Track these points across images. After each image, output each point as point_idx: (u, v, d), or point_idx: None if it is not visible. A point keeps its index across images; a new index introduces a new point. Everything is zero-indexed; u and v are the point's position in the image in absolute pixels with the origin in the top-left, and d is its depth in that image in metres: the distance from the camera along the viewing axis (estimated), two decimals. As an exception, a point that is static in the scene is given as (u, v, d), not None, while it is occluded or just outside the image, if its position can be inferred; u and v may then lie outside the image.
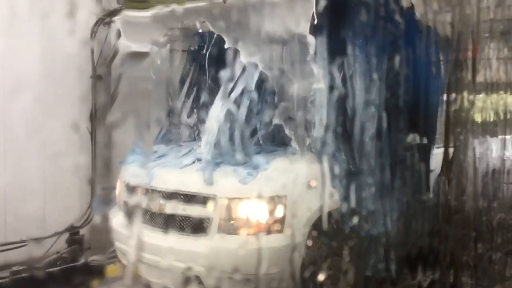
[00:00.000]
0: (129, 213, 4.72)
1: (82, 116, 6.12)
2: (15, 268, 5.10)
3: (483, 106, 4.58)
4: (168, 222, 4.29)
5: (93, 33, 6.11)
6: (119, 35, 5.78)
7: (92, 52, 6.13)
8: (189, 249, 4.10)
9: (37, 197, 5.61)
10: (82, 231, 5.97)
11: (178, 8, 4.95)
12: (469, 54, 4.29)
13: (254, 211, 4.08)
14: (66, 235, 5.84)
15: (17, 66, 5.34)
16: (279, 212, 4.06)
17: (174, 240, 4.19)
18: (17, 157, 5.40)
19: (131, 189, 4.74)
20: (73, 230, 5.86)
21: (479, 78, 4.39)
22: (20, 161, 5.43)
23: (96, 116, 6.18)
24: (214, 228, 4.09)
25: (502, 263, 4.59)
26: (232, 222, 4.08)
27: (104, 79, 6.27)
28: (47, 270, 5.26)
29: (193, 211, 4.18)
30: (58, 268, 5.44)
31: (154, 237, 4.27)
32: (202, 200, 4.15)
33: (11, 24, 5.21)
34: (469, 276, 4.17)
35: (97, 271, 5.26)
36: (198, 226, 4.16)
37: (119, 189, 5.00)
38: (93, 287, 4.92)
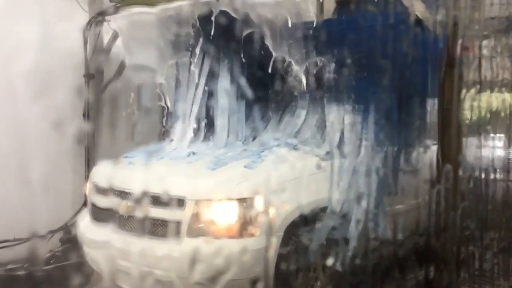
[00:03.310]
0: (97, 216, 4.56)
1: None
2: (8, 267, 5.08)
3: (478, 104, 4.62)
4: (137, 225, 4.10)
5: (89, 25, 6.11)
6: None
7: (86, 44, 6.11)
8: (158, 253, 3.92)
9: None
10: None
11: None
12: (463, 52, 4.33)
13: (225, 213, 3.92)
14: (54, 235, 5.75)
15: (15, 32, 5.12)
16: (251, 215, 3.89)
17: (143, 244, 3.99)
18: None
19: (99, 190, 4.53)
20: (67, 229, 5.82)
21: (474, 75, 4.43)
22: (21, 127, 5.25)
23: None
24: (183, 232, 3.91)
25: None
26: (202, 225, 3.91)
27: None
28: (41, 269, 5.22)
29: (162, 213, 3.99)
30: (52, 266, 5.38)
31: (122, 241, 4.06)
32: (171, 202, 3.96)
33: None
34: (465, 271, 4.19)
35: (90, 270, 5.22)
36: (167, 229, 3.98)
37: (88, 190, 4.82)
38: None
